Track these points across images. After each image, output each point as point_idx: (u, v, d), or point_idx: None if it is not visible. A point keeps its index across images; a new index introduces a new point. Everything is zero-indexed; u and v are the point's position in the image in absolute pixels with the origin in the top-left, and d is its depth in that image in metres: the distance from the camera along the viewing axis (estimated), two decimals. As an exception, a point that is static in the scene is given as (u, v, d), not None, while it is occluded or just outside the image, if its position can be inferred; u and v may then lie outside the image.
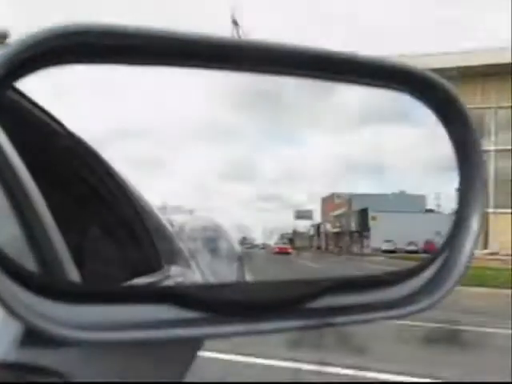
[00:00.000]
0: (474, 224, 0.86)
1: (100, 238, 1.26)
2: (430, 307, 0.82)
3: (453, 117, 0.84)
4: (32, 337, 0.64)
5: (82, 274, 0.91)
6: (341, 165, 1.08)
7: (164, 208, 1.40)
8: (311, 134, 1.07)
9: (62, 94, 0.89)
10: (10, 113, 0.88)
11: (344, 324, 0.78)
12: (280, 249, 1.39)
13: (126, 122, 1.01)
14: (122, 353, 0.74)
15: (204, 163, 1.07)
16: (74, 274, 0.89)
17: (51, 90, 0.83)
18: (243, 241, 1.27)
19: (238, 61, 0.78)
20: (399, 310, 0.81)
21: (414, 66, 0.83)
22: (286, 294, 0.74)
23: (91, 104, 0.97)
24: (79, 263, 0.93)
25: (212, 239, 1.50)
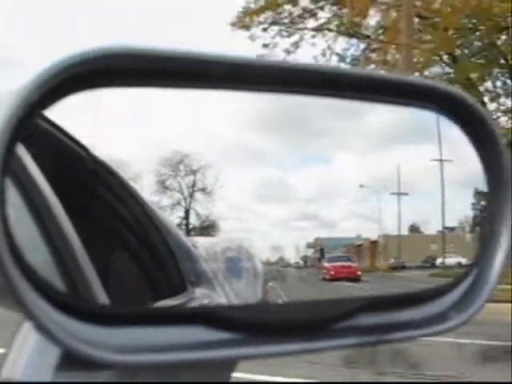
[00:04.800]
0: (504, 241, 0.86)
1: (124, 260, 1.27)
2: (463, 324, 0.81)
3: (481, 135, 0.84)
4: (68, 360, 0.65)
5: (108, 297, 0.92)
6: (369, 185, 1.12)
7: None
8: (340, 155, 1.08)
9: (92, 118, 0.90)
10: (39, 139, 0.89)
11: (376, 344, 0.77)
12: (337, 270, 1.29)
13: (155, 146, 1.02)
14: (157, 375, 0.74)
15: (237, 185, 1.08)
16: (101, 296, 0.89)
17: (83, 115, 0.84)
18: (280, 260, 1.38)
19: (263, 82, 0.78)
20: (432, 328, 0.80)
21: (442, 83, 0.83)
22: (319, 314, 0.73)
23: (120, 129, 0.98)
24: (105, 285, 0.93)
25: (236, 260, 1.50)
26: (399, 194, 1.18)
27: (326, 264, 1.47)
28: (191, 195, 1.68)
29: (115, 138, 1.02)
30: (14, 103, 0.60)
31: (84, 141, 1.08)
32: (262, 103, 0.91)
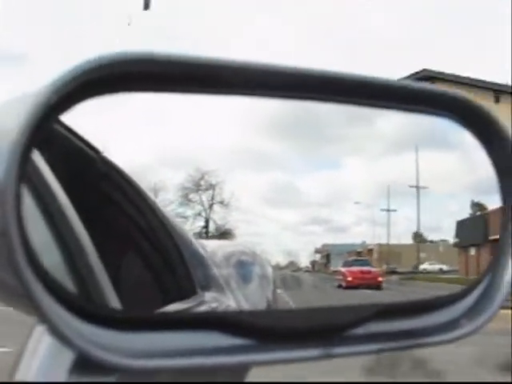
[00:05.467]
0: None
1: (135, 263, 1.27)
2: (474, 332, 0.81)
3: (494, 140, 0.84)
4: (81, 363, 0.65)
5: (120, 301, 0.92)
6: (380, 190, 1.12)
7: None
8: (350, 160, 1.08)
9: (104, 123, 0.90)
10: (53, 143, 0.90)
11: (388, 351, 0.77)
12: (355, 276, 1.19)
13: (169, 150, 1.03)
14: (169, 380, 0.74)
15: (249, 190, 1.09)
16: (113, 301, 0.89)
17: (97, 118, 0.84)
18: (289, 265, 1.45)
19: (275, 87, 0.78)
20: (444, 335, 0.80)
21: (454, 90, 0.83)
22: (331, 321, 0.73)
23: (133, 132, 0.98)
24: (116, 290, 0.94)
25: (246, 265, 1.50)
26: (388, 210, 1.20)
27: (342, 269, 1.33)
28: (210, 207, 1.92)
29: (130, 143, 1.02)
30: (30, 107, 0.59)
31: (98, 145, 1.09)
32: (274, 109, 0.91)
